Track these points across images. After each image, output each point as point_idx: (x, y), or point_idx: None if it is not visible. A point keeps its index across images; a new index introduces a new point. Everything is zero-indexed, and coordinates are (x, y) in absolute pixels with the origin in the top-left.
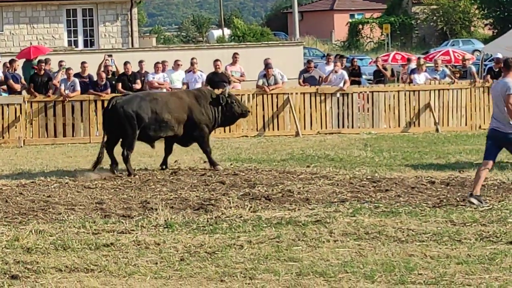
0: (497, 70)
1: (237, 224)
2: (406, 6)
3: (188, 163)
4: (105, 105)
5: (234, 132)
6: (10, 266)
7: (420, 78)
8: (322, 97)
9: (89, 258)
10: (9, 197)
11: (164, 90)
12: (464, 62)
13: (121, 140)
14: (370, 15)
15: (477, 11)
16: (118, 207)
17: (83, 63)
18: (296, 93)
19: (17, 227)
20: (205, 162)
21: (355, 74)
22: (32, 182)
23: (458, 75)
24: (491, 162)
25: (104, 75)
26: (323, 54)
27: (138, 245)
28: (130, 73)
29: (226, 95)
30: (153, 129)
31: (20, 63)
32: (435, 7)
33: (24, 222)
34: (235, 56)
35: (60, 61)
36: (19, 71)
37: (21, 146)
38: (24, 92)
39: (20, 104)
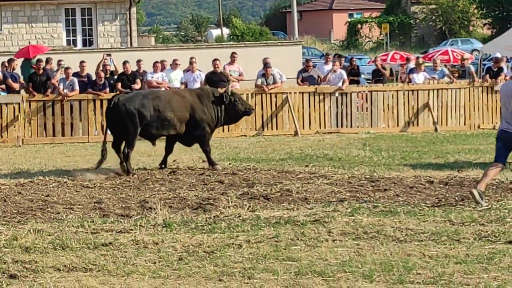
0: (495, 69)
1: (235, 224)
2: (405, 5)
3: (186, 162)
4: (104, 104)
5: (232, 132)
6: (9, 265)
7: (419, 78)
8: (321, 97)
9: (87, 258)
10: (7, 196)
11: (163, 89)
12: (463, 62)
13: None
14: (369, 14)
15: (476, 11)
16: (116, 206)
17: (81, 62)
18: (295, 93)
19: (16, 227)
20: (203, 161)
21: (353, 74)
22: (31, 181)
23: (456, 74)
24: (501, 165)
25: (102, 74)
26: (322, 54)
27: (137, 244)
28: (129, 72)
29: (229, 94)
30: (156, 127)
31: (18, 62)
32: (434, 6)
33: (22, 222)
34: (233, 55)
35: (59, 61)
36: (18, 70)
37: (20, 146)
38: (22, 91)
39: (19, 103)
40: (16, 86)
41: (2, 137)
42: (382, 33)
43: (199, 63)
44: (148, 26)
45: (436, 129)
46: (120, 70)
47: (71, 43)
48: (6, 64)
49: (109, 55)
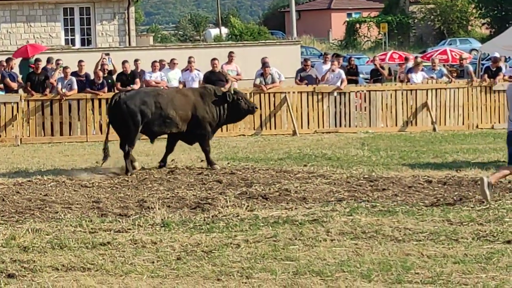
0: (494, 69)
1: (234, 223)
2: (403, 5)
3: (185, 162)
4: (102, 103)
5: (231, 131)
6: (7, 265)
7: (417, 78)
8: (320, 96)
9: (85, 257)
10: (5, 195)
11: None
12: (461, 62)
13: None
14: (367, 14)
15: (474, 10)
16: (115, 206)
17: (80, 61)
18: (293, 92)
19: (14, 226)
20: (202, 161)
21: (352, 73)
22: (29, 180)
23: (455, 74)
24: None
25: (101, 73)
26: (320, 53)
27: (135, 244)
28: (129, 72)
29: (232, 92)
30: (158, 124)
31: (16, 61)
32: (432, 6)
33: (20, 221)
34: (230, 55)
35: (57, 60)
36: (16, 70)
37: (18, 145)
38: (21, 91)
39: (17, 103)
40: (14, 85)
41: (0, 136)
42: (380, 33)
43: (197, 63)
44: (146, 25)
45: (434, 129)
46: (119, 69)
47: (70, 43)
48: (4, 64)
49: (107, 54)
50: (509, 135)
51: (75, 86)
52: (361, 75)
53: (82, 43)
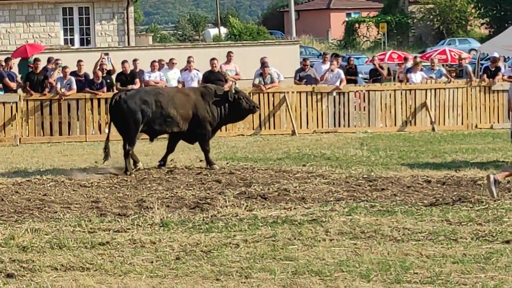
0: (493, 69)
1: (233, 223)
2: (402, 5)
3: (184, 161)
4: (101, 103)
5: (230, 131)
6: (6, 264)
7: (417, 77)
8: (319, 96)
9: (84, 257)
10: (4, 195)
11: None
12: (460, 61)
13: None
14: (366, 14)
15: (473, 10)
16: (114, 205)
17: (79, 61)
18: (293, 92)
19: (13, 226)
20: (201, 160)
21: (351, 73)
22: (28, 180)
23: (454, 74)
24: None
25: (100, 73)
26: (319, 53)
27: (134, 244)
28: (128, 72)
29: (233, 92)
30: (159, 123)
31: (15, 61)
32: (431, 6)
33: (19, 221)
34: (229, 55)
35: (56, 60)
36: (15, 69)
37: (17, 145)
38: (20, 91)
39: (16, 102)
40: (13, 85)
41: None
42: (379, 33)
43: (196, 62)
44: (145, 25)
45: (433, 129)
46: (118, 69)
47: (69, 42)
48: (3, 63)
49: (107, 54)
50: None
51: (74, 86)
52: (360, 75)
53: (81, 43)
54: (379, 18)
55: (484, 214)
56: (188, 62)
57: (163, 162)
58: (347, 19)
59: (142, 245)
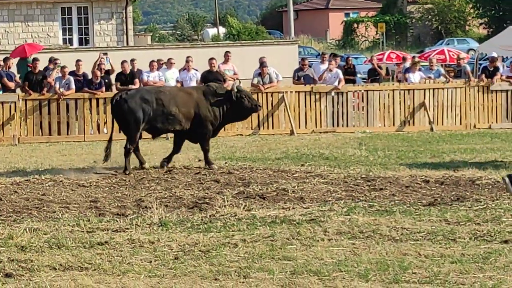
0: (491, 69)
1: (231, 223)
2: (401, 5)
3: (182, 161)
4: (100, 103)
5: (228, 131)
6: (4, 264)
7: (415, 77)
8: (317, 96)
9: (83, 257)
10: (3, 195)
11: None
12: (459, 61)
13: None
14: (365, 14)
15: (472, 10)
16: (112, 205)
17: (77, 61)
18: (291, 92)
19: (11, 225)
20: (199, 160)
21: (350, 73)
22: (27, 180)
23: (452, 74)
24: None
25: (99, 73)
26: (318, 53)
27: (132, 243)
28: (127, 72)
29: (236, 90)
30: (161, 121)
31: (14, 61)
32: (430, 6)
33: (18, 220)
34: (227, 54)
35: (55, 59)
36: (14, 69)
37: (16, 144)
38: (18, 90)
39: (15, 102)
40: (11, 85)
41: None
42: (378, 33)
43: (195, 62)
44: (144, 25)
45: (432, 129)
46: (117, 69)
47: (67, 42)
48: (2, 63)
49: (105, 54)
50: None
51: (73, 86)
52: (358, 75)
53: (80, 43)
54: (377, 18)
55: (482, 214)
56: (187, 62)
57: (167, 161)
58: (345, 19)
59: (140, 244)
